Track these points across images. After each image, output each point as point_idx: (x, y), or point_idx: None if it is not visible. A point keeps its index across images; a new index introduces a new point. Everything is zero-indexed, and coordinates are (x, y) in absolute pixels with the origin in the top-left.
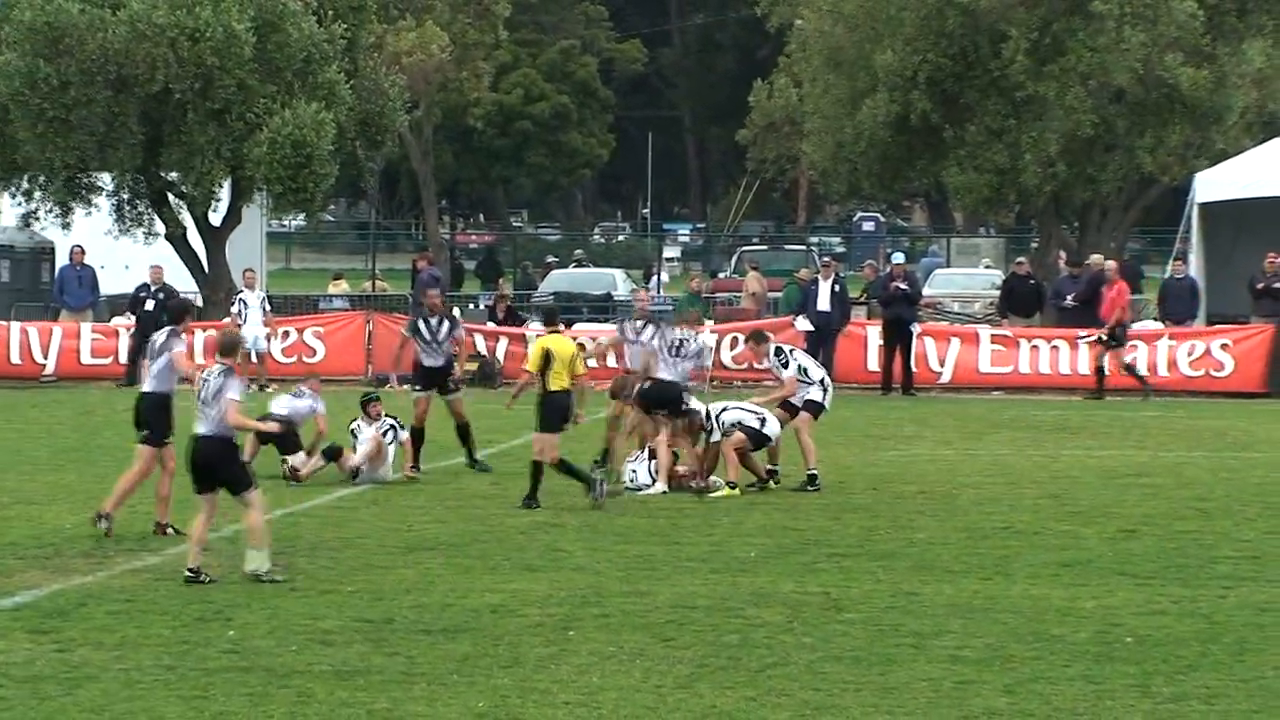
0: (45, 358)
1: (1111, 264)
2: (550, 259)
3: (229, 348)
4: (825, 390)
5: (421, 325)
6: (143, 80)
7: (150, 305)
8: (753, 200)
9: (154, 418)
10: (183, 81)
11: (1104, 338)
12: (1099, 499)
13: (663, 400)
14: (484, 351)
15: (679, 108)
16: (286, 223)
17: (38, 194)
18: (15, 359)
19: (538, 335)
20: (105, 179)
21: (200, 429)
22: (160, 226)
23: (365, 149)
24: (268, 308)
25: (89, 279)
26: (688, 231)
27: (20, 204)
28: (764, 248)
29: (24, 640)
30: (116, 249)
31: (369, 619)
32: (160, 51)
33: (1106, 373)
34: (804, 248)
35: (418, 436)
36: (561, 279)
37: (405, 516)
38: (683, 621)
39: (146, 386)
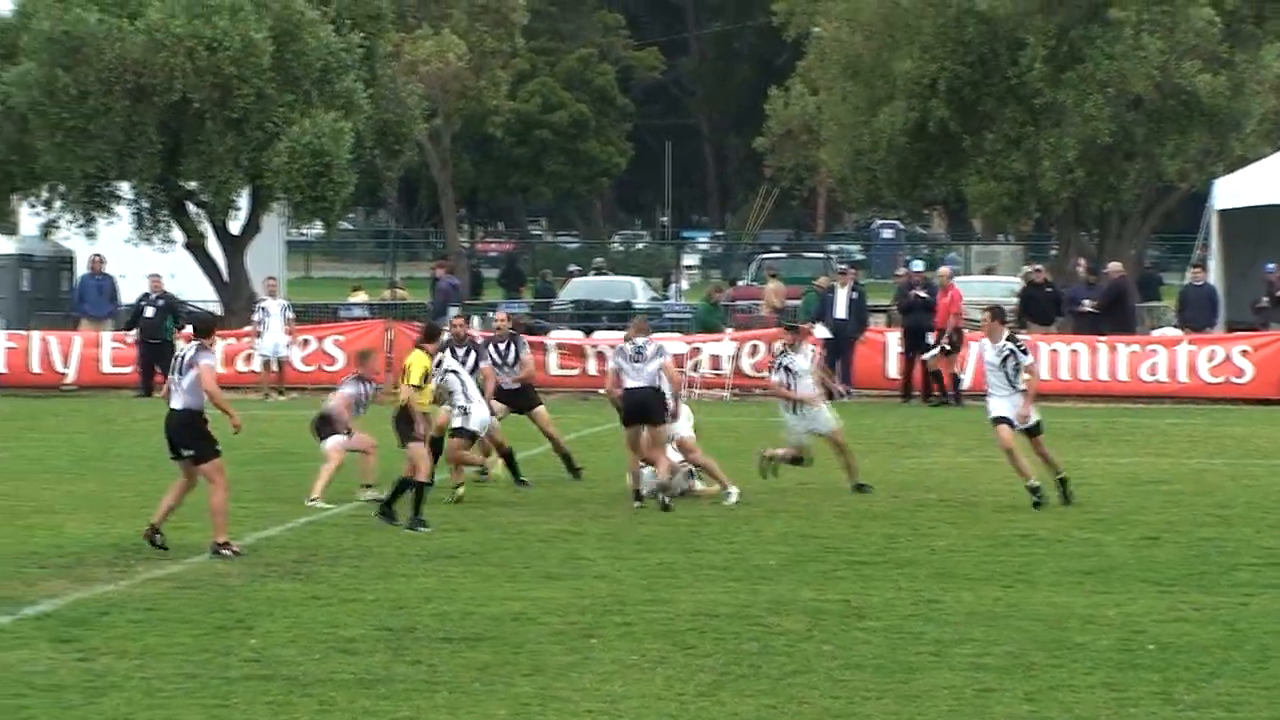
0: (65, 367)
1: (944, 270)
2: (572, 268)
3: None
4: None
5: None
6: (161, 89)
7: (150, 312)
8: (772, 208)
9: (189, 436)
10: (201, 91)
11: (946, 346)
12: (1121, 506)
13: (641, 411)
14: None
15: (697, 116)
16: (305, 232)
17: (58, 203)
18: (36, 368)
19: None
20: (124, 188)
21: None
22: (179, 235)
23: (384, 157)
24: (290, 315)
25: (109, 288)
26: (707, 239)
27: (40, 213)
28: (783, 255)
29: (46, 649)
30: (136, 258)
31: (390, 627)
32: (178, 61)
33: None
34: (823, 255)
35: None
36: (581, 287)
37: None
38: (704, 629)
39: (175, 403)
